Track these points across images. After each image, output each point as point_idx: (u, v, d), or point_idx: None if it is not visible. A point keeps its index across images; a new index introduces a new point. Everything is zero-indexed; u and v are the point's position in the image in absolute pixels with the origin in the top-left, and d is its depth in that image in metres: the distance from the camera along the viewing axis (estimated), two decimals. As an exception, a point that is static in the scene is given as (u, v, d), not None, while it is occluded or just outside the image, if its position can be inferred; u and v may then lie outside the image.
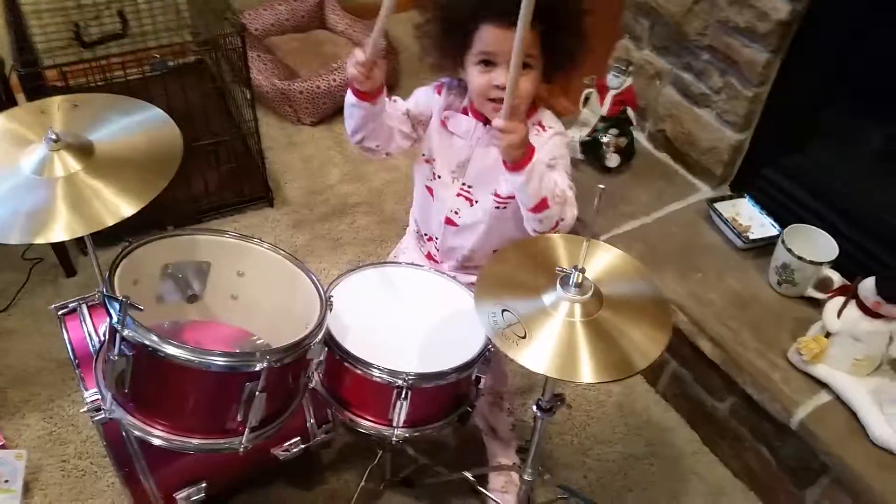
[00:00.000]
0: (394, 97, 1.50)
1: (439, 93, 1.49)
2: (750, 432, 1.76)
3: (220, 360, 1.10)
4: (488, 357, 1.36)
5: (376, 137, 1.43)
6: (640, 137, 2.27)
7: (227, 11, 2.24)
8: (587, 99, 2.14)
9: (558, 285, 1.08)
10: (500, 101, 1.30)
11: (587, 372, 1.01)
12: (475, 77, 1.36)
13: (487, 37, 1.30)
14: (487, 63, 1.33)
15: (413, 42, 3.44)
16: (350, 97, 1.37)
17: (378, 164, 2.63)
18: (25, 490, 1.69)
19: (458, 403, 1.40)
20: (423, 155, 1.51)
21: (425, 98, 1.50)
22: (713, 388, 1.82)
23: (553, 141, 1.43)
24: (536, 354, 1.02)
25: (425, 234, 1.59)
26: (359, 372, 1.28)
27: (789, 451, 1.67)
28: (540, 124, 1.44)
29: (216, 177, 2.37)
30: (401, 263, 1.57)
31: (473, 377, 1.37)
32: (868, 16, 1.68)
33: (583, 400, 1.97)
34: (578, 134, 2.12)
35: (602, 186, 1.03)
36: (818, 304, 1.71)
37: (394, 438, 1.33)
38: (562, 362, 1.02)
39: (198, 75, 2.62)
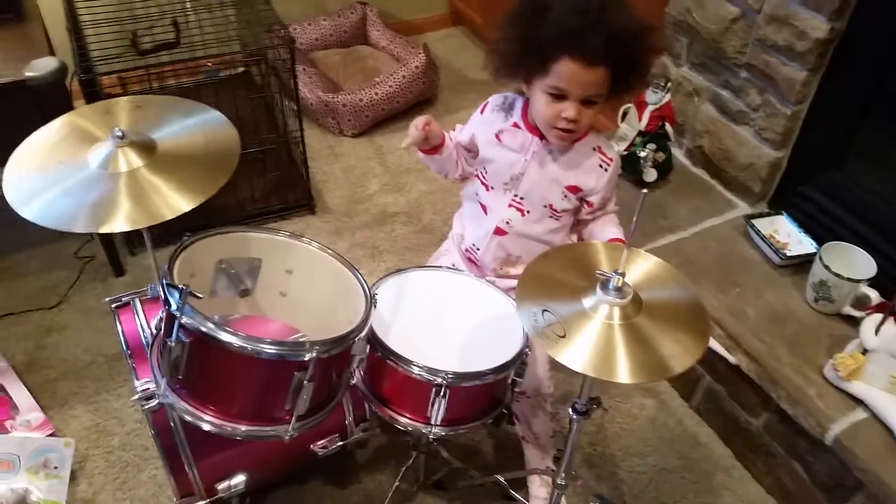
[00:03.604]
0: (458, 126, 1.60)
1: (482, 111, 1.55)
2: (784, 448, 1.76)
3: (271, 349, 1.15)
4: (525, 360, 1.39)
5: (455, 170, 1.59)
6: (678, 153, 2.29)
7: (276, 25, 2.33)
8: (625, 114, 2.17)
9: (598, 289, 1.11)
10: (566, 130, 1.38)
11: (623, 372, 1.04)
12: (543, 105, 1.38)
13: (565, 71, 1.31)
14: (558, 95, 1.36)
15: (453, 58, 3.51)
16: (419, 154, 1.56)
17: (416, 176, 2.69)
18: (72, 477, 1.75)
19: (493, 405, 1.43)
20: (477, 170, 1.57)
21: (474, 122, 1.56)
22: (748, 403, 1.83)
23: (614, 176, 1.50)
24: (575, 354, 1.05)
25: (466, 247, 1.63)
26: (399, 369, 1.32)
27: (823, 468, 1.66)
28: (600, 150, 1.48)
29: (262, 184, 2.45)
30: (442, 267, 1.61)
31: (510, 379, 1.40)
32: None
33: (616, 412, 1.98)
34: (616, 148, 2.15)
35: (645, 191, 1.06)
36: (855, 322, 1.71)
37: (431, 436, 1.36)
38: (599, 362, 1.04)
39: (245, 86, 2.71)
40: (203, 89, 2.17)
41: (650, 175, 2.12)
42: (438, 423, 1.34)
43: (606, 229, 1.52)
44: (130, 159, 1.28)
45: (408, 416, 1.37)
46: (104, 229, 1.20)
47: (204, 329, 1.12)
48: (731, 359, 1.21)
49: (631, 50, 1.31)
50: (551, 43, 1.30)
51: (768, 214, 2.02)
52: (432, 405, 1.32)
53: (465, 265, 1.65)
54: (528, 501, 1.71)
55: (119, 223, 1.22)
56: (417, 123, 1.45)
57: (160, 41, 2.55)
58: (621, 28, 1.28)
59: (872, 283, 1.72)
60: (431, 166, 1.59)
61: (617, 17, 1.28)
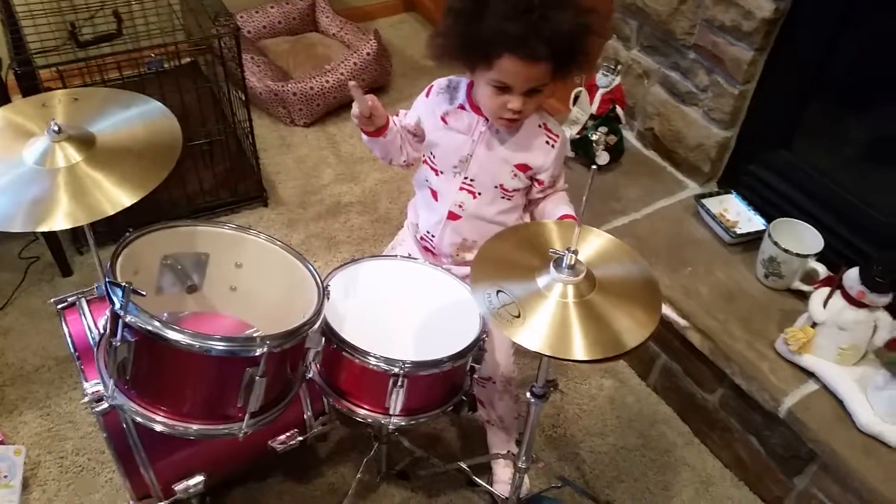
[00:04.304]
0: (402, 111, 1.57)
1: (427, 95, 1.53)
2: (739, 423, 1.79)
3: (220, 345, 1.12)
4: (483, 346, 1.39)
5: (399, 155, 1.56)
6: (629, 136, 2.31)
7: (221, 13, 2.27)
8: (577, 98, 2.18)
9: (552, 268, 1.11)
10: (511, 119, 1.38)
11: (579, 350, 1.04)
12: (487, 96, 1.38)
13: (508, 67, 1.30)
14: (502, 87, 1.35)
15: (405, 45, 3.48)
16: (364, 137, 1.51)
17: (371, 165, 2.66)
18: (24, 486, 1.70)
19: (452, 392, 1.42)
20: (424, 155, 1.55)
21: (420, 105, 1.54)
22: (703, 380, 1.86)
23: (562, 150, 1.50)
24: (530, 333, 1.05)
25: (421, 236, 1.61)
26: (356, 360, 1.31)
27: (778, 440, 1.70)
28: (545, 127, 1.48)
29: (211, 176, 2.40)
30: (396, 256, 1.60)
31: (468, 366, 1.40)
32: (850, 14, 1.72)
33: (575, 394, 2.00)
34: (568, 132, 2.16)
35: (594, 167, 1.06)
36: (804, 297, 1.74)
37: (390, 426, 1.35)
38: (555, 341, 1.04)
39: (192, 76, 2.64)
40: (147, 81, 2.10)
41: (602, 158, 2.13)
42: (397, 413, 1.33)
43: (558, 207, 1.52)
44: (68, 154, 1.24)
45: (366, 407, 1.36)
46: (42, 228, 1.16)
47: (149, 328, 1.09)
48: (682, 322, 1.22)
49: (573, 43, 1.30)
50: (492, 40, 1.29)
51: (718, 194, 2.05)
52: (390, 395, 1.31)
53: (421, 254, 1.64)
54: (491, 486, 1.71)
55: (58, 221, 1.18)
56: (356, 114, 1.43)
57: (101, 32, 2.48)
58: (565, 27, 1.27)
59: (820, 257, 1.76)
60: (375, 150, 1.55)
61: (559, 16, 1.26)
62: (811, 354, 1.64)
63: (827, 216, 1.84)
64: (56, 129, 1.23)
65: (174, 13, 2.62)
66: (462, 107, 1.47)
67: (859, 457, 1.51)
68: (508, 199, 1.51)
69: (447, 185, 1.52)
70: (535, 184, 1.51)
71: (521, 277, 1.12)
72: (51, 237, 2.14)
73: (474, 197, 1.51)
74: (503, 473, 1.73)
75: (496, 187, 1.49)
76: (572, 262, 1.09)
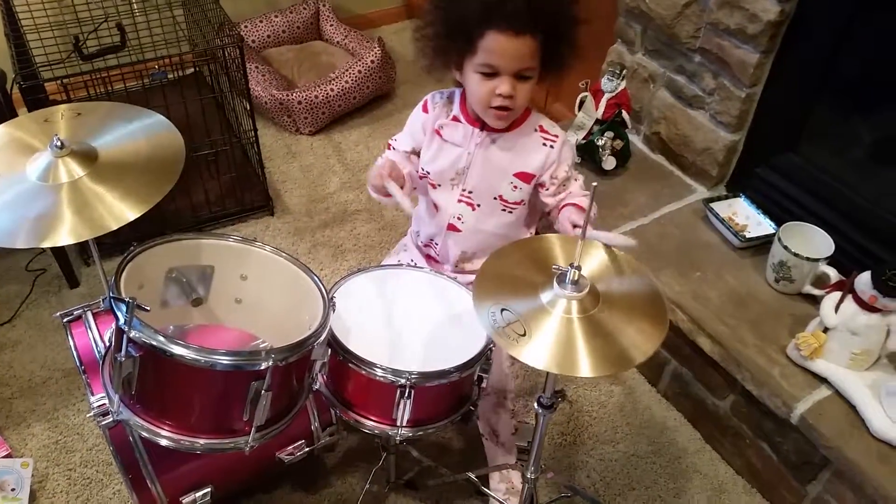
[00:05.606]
0: (394, 141, 1.55)
1: (426, 110, 1.51)
2: (751, 429, 1.77)
3: (225, 360, 1.12)
4: (489, 356, 1.38)
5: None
6: (636, 140, 2.29)
7: (225, 23, 2.27)
8: (582, 103, 2.16)
9: (555, 283, 1.10)
10: (502, 108, 1.35)
11: (585, 366, 1.02)
12: (476, 85, 1.36)
13: (493, 45, 1.29)
14: (491, 74, 1.34)
15: (409, 52, 3.49)
16: (374, 193, 1.44)
17: (377, 172, 2.66)
18: (32, 498, 1.69)
19: (460, 402, 1.41)
20: (421, 169, 1.53)
21: (418, 123, 1.52)
22: (714, 385, 1.84)
23: (565, 150, 1.47)
24: (536, 351, 1.04)
25: (424, 242, 1.60)
26: (362, 372, 1.30)
27: (790, 447, 1.68)
28: (542, 129, 1.46)
29: (216, 186, 2.39)
30: (402, 266, 1.59)
31: (475, 376, 1.38)
32: (857, 14, 1.70)
33: (584, 401, 1.98)
34: (574, 137, 2.14)
35: (595, 184, 1.05)
36: (815, 301, 1.72)
37: (398, 437, 1.34)
38: (561, 358, 1.03)
39: (196, 87, 2.65)
40: (151, 92, 2.11)
41: (609, 163, 2.12)
42: (405, 424, 1.32)
43: (568, 201, 1.47)
44: (71, 169, 1.24)
45: (373, 419, 1.35)
46: (46, 244, 1.16)
47: (154, 343, 1.09)
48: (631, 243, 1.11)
49: (555, 15, 1.30)
50: (474, 17, 1.28)
51: (726, 197, 2.03)
52: (397, 407, 1.30)
53: (424, 263, 1.63)
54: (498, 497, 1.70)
55: (62, 237, 1.18)
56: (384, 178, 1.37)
57: (105, 45, 2.49)
58: None
59: (831, 261, 1.73)
60: (381, 202, 1.47)
61: None
62: (823, 360, 1.62)
63: (837, 219, 1.82)
64: (59, 144, 1.23)
65: (177, 24, 2.63)
66: (456, 118, 1.46)
67: (873, 463, 1.49)
68: (510, 213, 1.49)
69: (446, 198, 1.51)
70: (539, 188, 1.49)
71: (525, 294, 1.11)
72: (57, 249, 2.14)
73: (473, 209, 1.49)
74: (498, 489, 1.70)
75: (495, 199, 1.47)
76: (576, 278, 1.08)
